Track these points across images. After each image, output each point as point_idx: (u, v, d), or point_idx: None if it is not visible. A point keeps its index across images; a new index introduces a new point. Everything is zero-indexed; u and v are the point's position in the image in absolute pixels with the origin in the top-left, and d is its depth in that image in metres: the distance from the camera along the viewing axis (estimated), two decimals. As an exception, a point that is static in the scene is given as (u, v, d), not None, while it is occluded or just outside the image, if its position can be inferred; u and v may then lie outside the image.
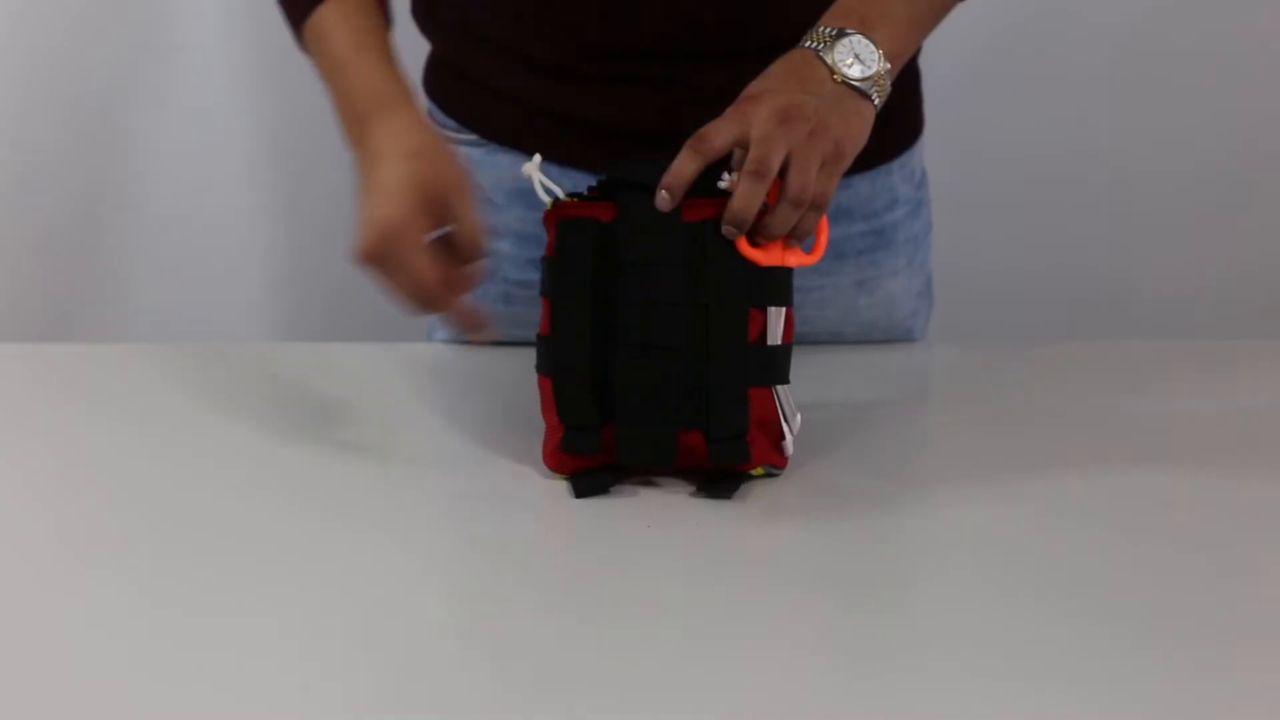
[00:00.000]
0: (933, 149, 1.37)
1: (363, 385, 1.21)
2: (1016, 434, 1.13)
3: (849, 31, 1.01)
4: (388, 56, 1.07)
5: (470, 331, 1.04)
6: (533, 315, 1.30)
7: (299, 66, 1.85)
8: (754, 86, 1.00)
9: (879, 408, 1.19)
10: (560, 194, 1.02)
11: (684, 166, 0.95)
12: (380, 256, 0.99)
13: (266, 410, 1.17)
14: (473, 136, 1.28)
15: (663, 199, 0.95)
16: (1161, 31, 2.00)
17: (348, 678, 0.78)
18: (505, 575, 0.92)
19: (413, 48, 1.32)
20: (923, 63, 1.32)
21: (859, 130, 1.01)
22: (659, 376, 0.96)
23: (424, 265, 0.98)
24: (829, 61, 1.00)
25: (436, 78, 1.32)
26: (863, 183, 1.28)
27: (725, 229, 0.96)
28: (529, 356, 1.04)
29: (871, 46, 1.02)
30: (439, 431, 1.12)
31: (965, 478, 1.06)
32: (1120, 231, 2.10)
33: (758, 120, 0.96)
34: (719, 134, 0.96)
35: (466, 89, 1.25)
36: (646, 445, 0.97)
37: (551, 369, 0.99)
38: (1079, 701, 0.76)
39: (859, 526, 0.97)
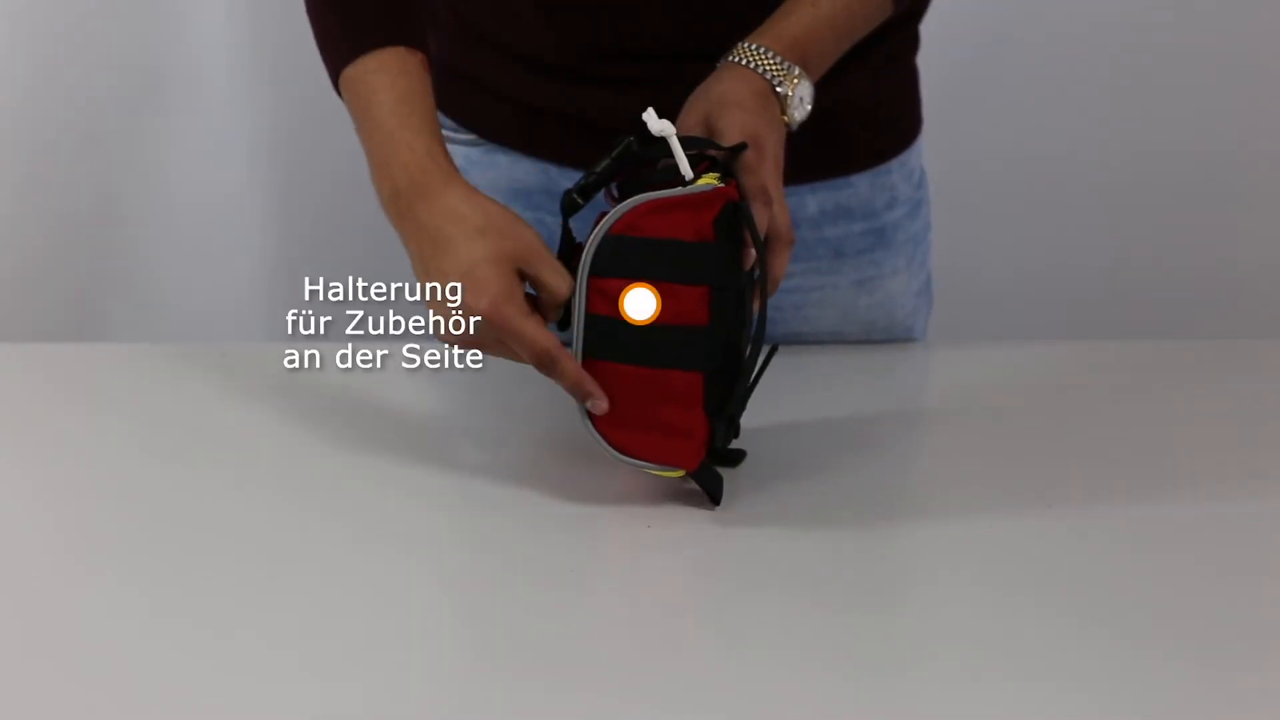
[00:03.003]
0: (932, 148, 1.37)
1: (363, 386, 1.21)
2: (1016, 434, 1.13)
3: (800, 74, 1.07)
4: (432, 126, 1.02)
5: (586, 397, 0.96)
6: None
7: (299, 66, 1.85)
8: (742, 120, 1.02)
9: (879, 407, 1.19)
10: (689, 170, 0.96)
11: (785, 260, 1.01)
12: (490, 342, 0.97)
13: (266, 410, 1.17)
14: (471, 136, 1.28)
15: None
16: (1161, 31, 2.00)
17: (348, 678, 0.78)
18: (505, 575, 0.92)
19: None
20: (921, 61, 1.32)
21: None
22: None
23: (540, 331, 0.95)
24: (784, 102, 1.06)
25: (437, 78, 1.32)
26: (862, 182, 1.27)
27: (750, 252, 0.97)
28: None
29: (812, 93, 1.08)
30: (439, 432, 1.12)
31: (965, 478, 1.06)
32: (1120, 231, 2.10)
33: (774, 184, 1.00)
34: (778, 192, 1.01)
35: (465, 89, 1.25)
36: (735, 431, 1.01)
37: (716, 362, 0.95)
38: (1079, 701, 0.76)
39: (859, 526, 0.97)
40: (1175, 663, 0.80)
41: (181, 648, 0.80)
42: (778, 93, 1.06)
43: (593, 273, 0.94)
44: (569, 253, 1.01)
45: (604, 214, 0.95)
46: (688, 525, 0.96)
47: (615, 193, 0.99)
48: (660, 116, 0.97)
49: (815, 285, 1.29)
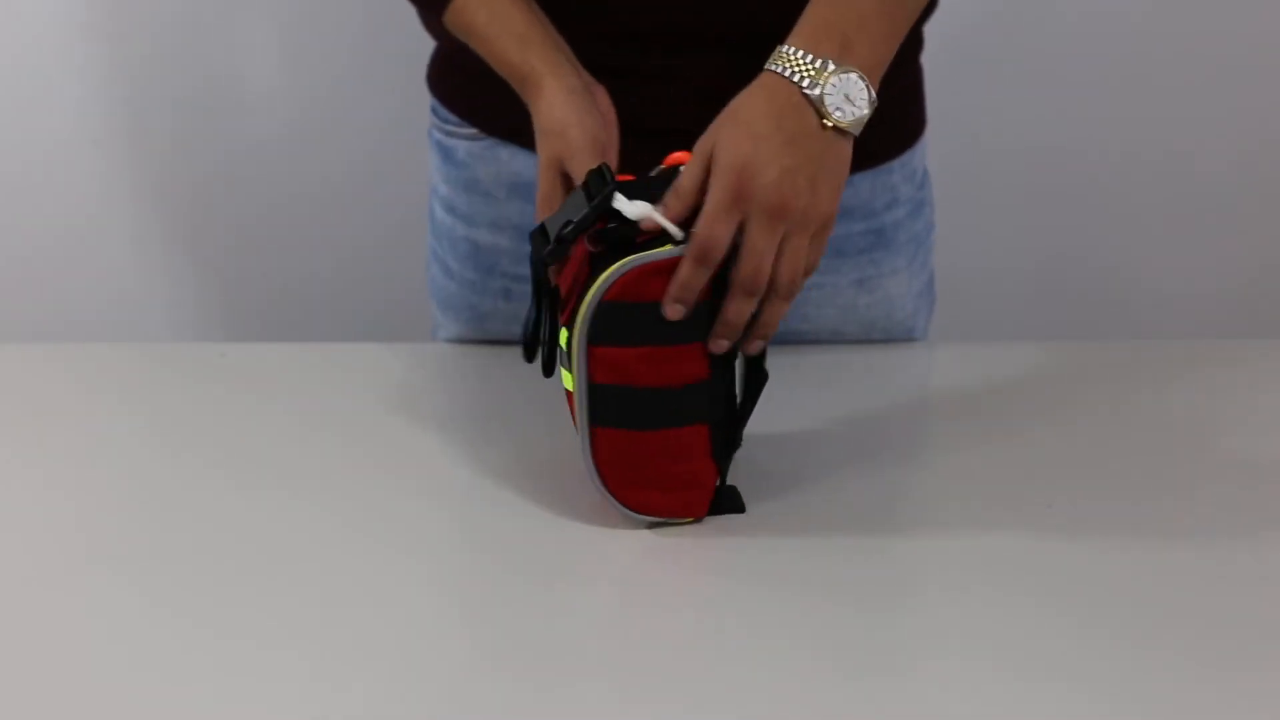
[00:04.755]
0: (935, 148, 1.37)
1: (363, 385, 1.21)
2: (1016, 434, 1.13)
3: (837, 67, 0.96)
4: (519, 31, 1.10)
5: None
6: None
7: (307, 66, 1.84)
8: (736, 142, 0.94)
9: (879, 408, 1.19)
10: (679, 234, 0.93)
11: (693, 278, 0.92)
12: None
13: (267, 410, 1.17)
14: (473, 130, 1.28)
15: (676, 310, 0.92)
16: (1164, 31, 1.99)
17: (348, 678, 0.78)
18: (505, 576, 0.92)
19: (417, 45, 1.32)
20: (925, 61, 1.32)
21: (843, 176, 0.98)
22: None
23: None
24: (818, 105, 0.95)
25: (440, 73, 1.32)
26: (863, 182, 1.27)
27: (717, 343, 0.93)
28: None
29: (862, 86, 0.97)
30: (440, 431, 1.12)
31: (965, 478, 1.06)
32: (1121, 231, 2.10)
33: (751, 223, 0.93)
34: (717, 237, 0.92)
35: (469, 84, 1.25)
36: None
37: (720, 408, 0.95)
38: (1079, 701, 0.76)
39: (859, 526, 0.97)
40: (1175, 663, 0.80)
41: (179, 645, 0.80)
42: (809, 96, 0.96)
43: (590, 342, 0.92)
44: (548, 299, 0.97)
45: (585, 271, 0.92)
46: (687, 526, 0.96)
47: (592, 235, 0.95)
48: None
49: (814, 283, 1.29)
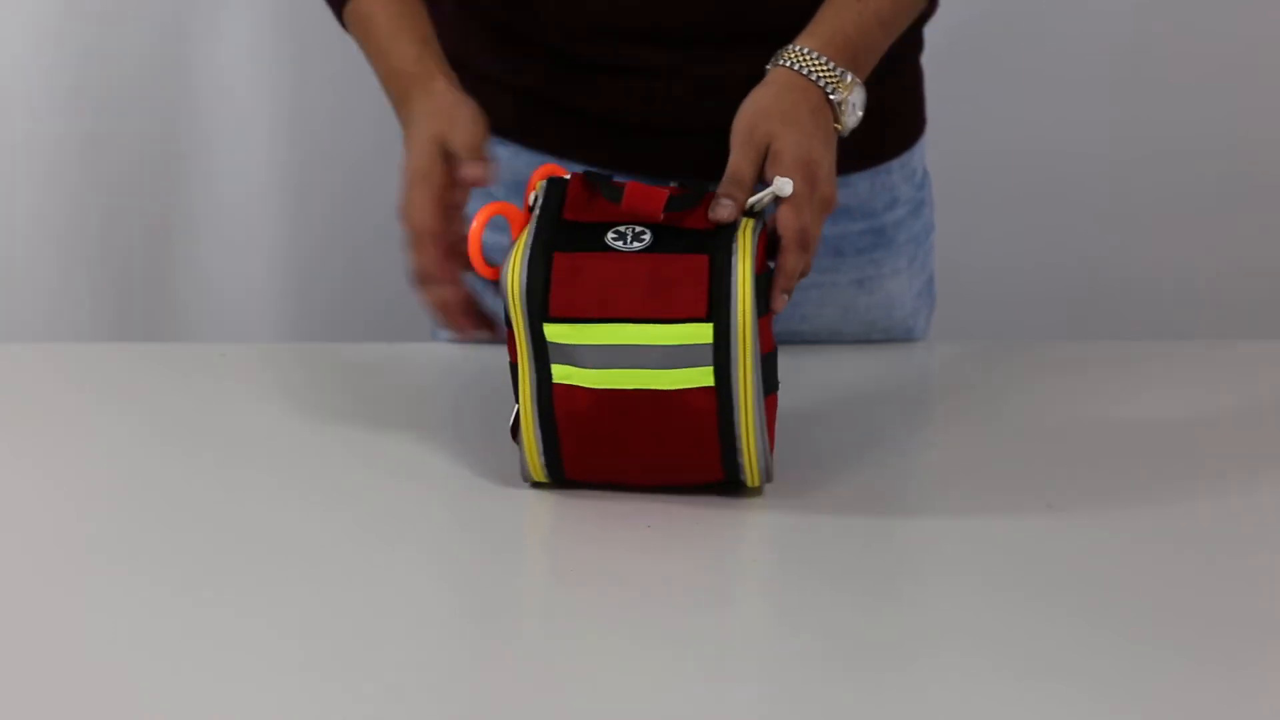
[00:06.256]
0: (935, 148, 1.37)
1: (365, 385, 1.21)
2: (1016, 434, 1.13)
3: (853, 78, 1.04)
4: (422, 35, 1.12)
5: (455, 326, 1.05)
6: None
7: (308, 65, 1.84)
8: (796, 139, 0.99)
9: (879, 408, 1.19)
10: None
11: (798, 267, 0.98)
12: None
13: (268, 411, 1.17)
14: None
15: (784, 300, 0.97)
16: (1164, 30, 2.00)
17: (349, 675, 0.78)
18: (507, 575, 0.92)
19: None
20: (925, 61, 1.32)
21: None
22: None
23: (423, 206, 1.03)
24: (837, 110, 1.03)
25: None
26: (862, 182, 1.27)
27: (782, 298, 0.97)
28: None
29: (864, 98, 1.05)
30: (441, 432, 1.12)
31: (965, 477, 1.06)
32: (1121, 231, 2.10)
33: (816, 225, 0.98)
34: (809, 225, 0.97)
35: (465, 80, 1.25)
36: None
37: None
38: (1078, 701, 0.76)
39: (859, 526, 0.97)
40: (1175, 662, 0.80)
41: (181, 646, 0.80)
42: (831, 100, 1.03)
43: (759, 315, 0.93)
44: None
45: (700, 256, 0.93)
46: (688, 525, 0.96)
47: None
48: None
49: (813, 283, 1.29)
